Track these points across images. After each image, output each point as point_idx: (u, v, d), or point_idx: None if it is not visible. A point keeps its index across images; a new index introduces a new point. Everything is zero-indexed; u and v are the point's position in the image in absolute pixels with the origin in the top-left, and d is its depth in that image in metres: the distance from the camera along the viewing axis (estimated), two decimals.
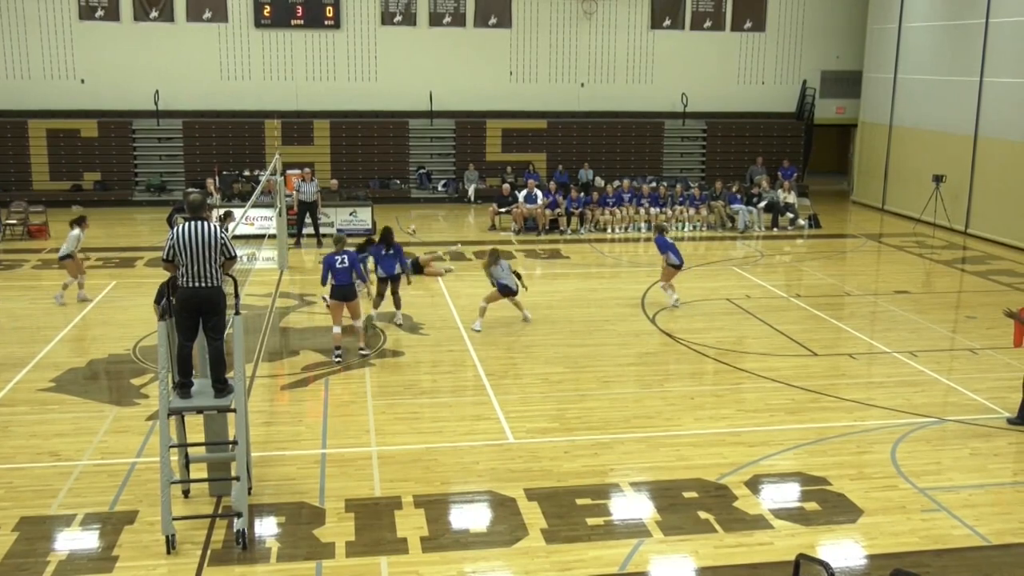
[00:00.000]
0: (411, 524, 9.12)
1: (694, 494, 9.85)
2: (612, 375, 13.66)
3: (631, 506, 9.65)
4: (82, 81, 28.96)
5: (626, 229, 25.29)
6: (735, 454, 10.86)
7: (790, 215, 26.02)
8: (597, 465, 10.55)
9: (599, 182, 28.00)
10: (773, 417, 12.08)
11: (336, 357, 14.06)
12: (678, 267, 17.32)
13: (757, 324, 16.37)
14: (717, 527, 9.16)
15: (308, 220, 23.13)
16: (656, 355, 14.76)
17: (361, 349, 14.39)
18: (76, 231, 17.41)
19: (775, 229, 25.64)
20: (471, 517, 9.40)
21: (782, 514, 9.46)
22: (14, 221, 23.91)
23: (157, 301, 11.79)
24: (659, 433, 11.49)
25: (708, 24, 31.45)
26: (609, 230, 25.18)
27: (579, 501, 9.66)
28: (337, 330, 14.16)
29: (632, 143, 31.24)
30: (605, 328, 16.06)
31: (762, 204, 26.05)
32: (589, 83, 31.26)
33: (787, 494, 10.00)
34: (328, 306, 14.73)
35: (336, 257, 14.11)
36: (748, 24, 31.65)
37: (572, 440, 11.24)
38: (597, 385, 13.20)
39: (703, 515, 9.39)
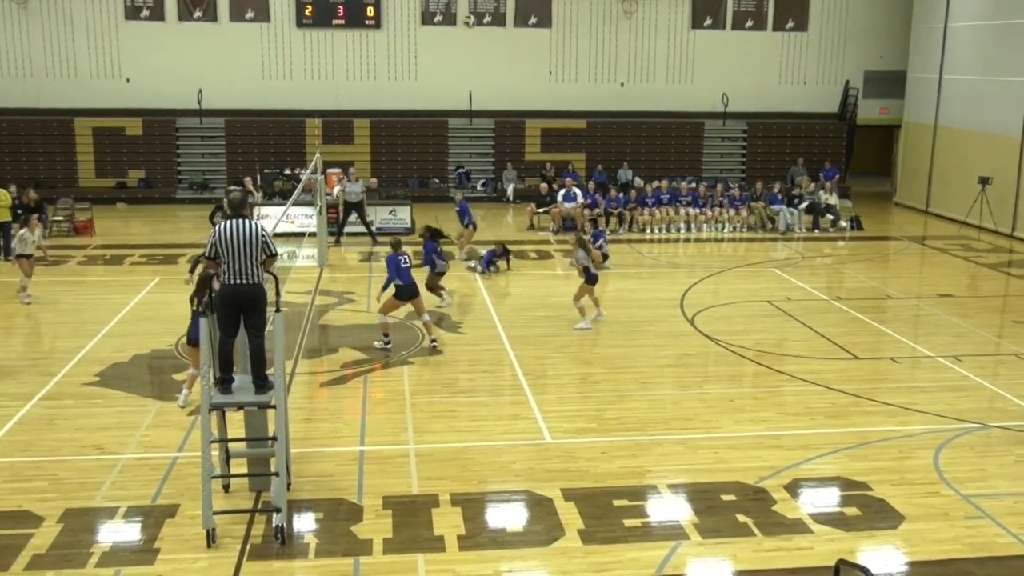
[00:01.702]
0: (448, 522, 9.14)
1: (732, 497, 9.78)
2: (650, 376, 13.61)
3: (669, 508, 9.60)
4: (127, 80, 29.36)
5: (665, 230, 25.17)
6: (774, 457, 10.77)
7: (831, 217, 25.75)
8: (635, 466, 10.51)
9: (638, 182, 27.89)
10: (813, 421, 11.96)
11: (386, 343, 14.53)
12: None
13: (797, 326, 16.22)
14: (756, 531, 9.09)
15: (352, 219, 23.26)
16: (695, 357, 14.68)
17: (433, 341, 14.72)
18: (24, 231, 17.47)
19: (816, 231, 25.38)
20: (508, 516, 9.41)
21: (822, 519, 9.36)
22: (61, 218, 24.30)
23: (193, 299, 12.02)
24: (698, 435, 11.42)
25: (749, 24, 31.21)
26: (648, 230, 25.07)
27: (616, 502, 9.63)
28: (384, 319, 14.59)
29: (672, 143, 31.09)
30: (644, 329, 15.99)
31: (803, 205, 25.81)
32: (629, 83, 31.16)
33: (827, 499, 9.90)
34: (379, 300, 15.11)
35: (399, 257, 14.54)
36: (790, 24, 31.37)
37: (610, 441, 11.21)
38: (635, 386, 13.15)
39: (741, 518, 9.32)
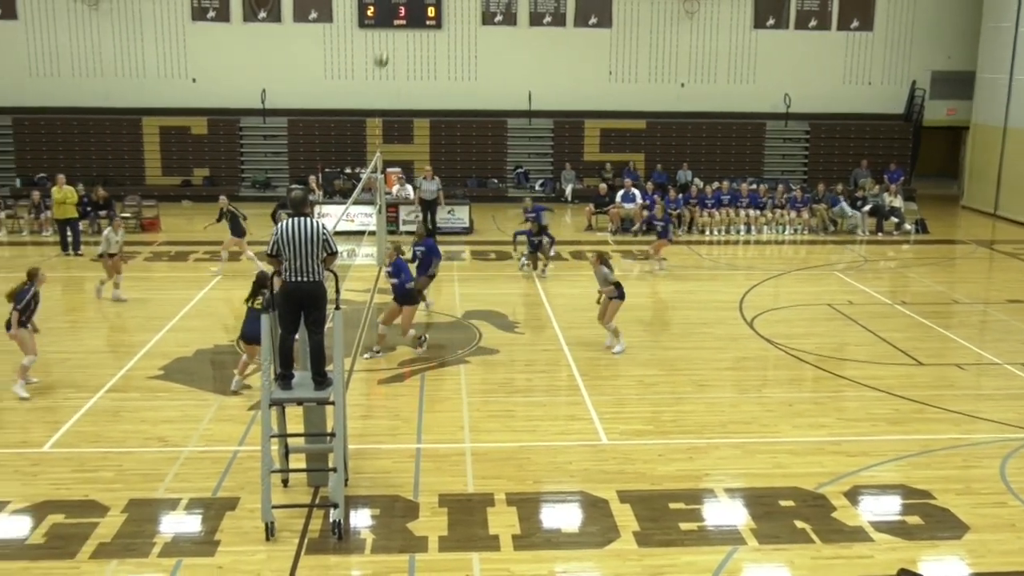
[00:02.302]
0: (503, 521, 9.16)
1: (791, 503, 9.66)
2: (708, 379, 13.49)
3: (726, 512, 9.51)
4: (193, 80, 29.92)
5: (725, 231, 24.94)
6: (834, 463, 10.60)
7: (895, 219, 25.28)
8: (692, 469, 10.43)
9: (698, 183, 27.68)
10: (875, 427, 11.76)
11: (422, 342, 14.39)
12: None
13: (859, 331, 15.95)
14: (815, 537, 8.96)
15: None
16: (754, 360, 14.51)
17: (377, 352, 14.29)
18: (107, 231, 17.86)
19: (880, 234, 24.95)
20: (563, 517, 9.40)
21: (883, 527, 9.19)
22: (128, 214, 24.82)
23: (249, 299, 12.18)
24: (756, 439, 11.29)
25: (813, 23, 30.79)
26: (707, 232, 24.87)
27: (672, 505, 9.56)
28: (412, 332, 14.24)
29: (732, 144, 30.80)
30: (702, 331, 15.86)
31: (867, 208, 25.39)
32: (689, 83, 30.93)
33: (888, 507, 9.72)
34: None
35: (404, 262, 14.44)
36: (855, 23, 30.88)
37: (666, 443, 11.14)
38: (693, 388, 13.05)
39: (800, 524, 9.20)
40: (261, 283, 12.21)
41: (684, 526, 9.16)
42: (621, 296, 14.43)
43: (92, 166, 28.92)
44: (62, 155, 28.97)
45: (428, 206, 23.44)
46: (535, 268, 19.82)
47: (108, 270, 17.37)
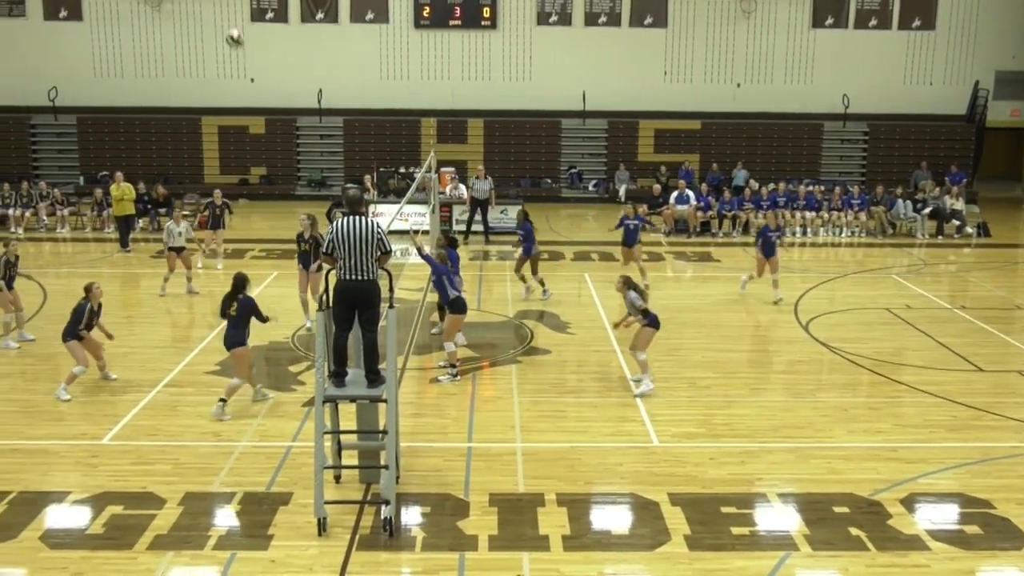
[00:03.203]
0: (553, 522, 9.15)
1: (845, 509, 9.51)
2: (761, 382, 13.36)
3: (778, 517, 9.40)
4: (252, 80, 30.37)
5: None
6: (890, 470, 10.43)
7: (957, 222, 24.80)
8: (744, 473, 10.33)
9: (753, 184, 27.41)
10: (933, 433, 11.54)
11: (454, 375, 13.33)
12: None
13: (917, 335, 15.67)
14: (869, 545, 8.82)
15: (476, 217, 23.56)
16: (808, 364, 14.34)
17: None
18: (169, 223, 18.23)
19: (940, 237, 24.50)
20: (613, 518, 9.37)
21: (940, 536, 9.01)
22: (187, 212, 25.23)
23: (225, 308, 11.92)
24: (809, 444, 11.15)
25: (873, 22, 30.35)
26: None
27: (724, 509, 9.48)
28: (453, 346, 13.41)
29: (789, 145, 30.47)
30: (756, 334, 15.71)
31: (927, 210, 24.94)
32: (745, 83, 30.67)
33: (946, 515, 9.53)
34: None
35: (448, 268, 13.69)
36: (917, 22, 30.37)
37: (718, 447, 11.04)
38: (746, 392, 12.92)
39: (854, 531, 9.06)
40: (238, 288, 11.86)
41: (736, 530, 9.08)
42: (653, 324, 12.68)
43: (153, 165, 29.51)
44: (124, 154, 29.59)
45: (480, 206, 23.52)
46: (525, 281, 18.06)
47: (171, 264, 17.66)
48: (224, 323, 12.08)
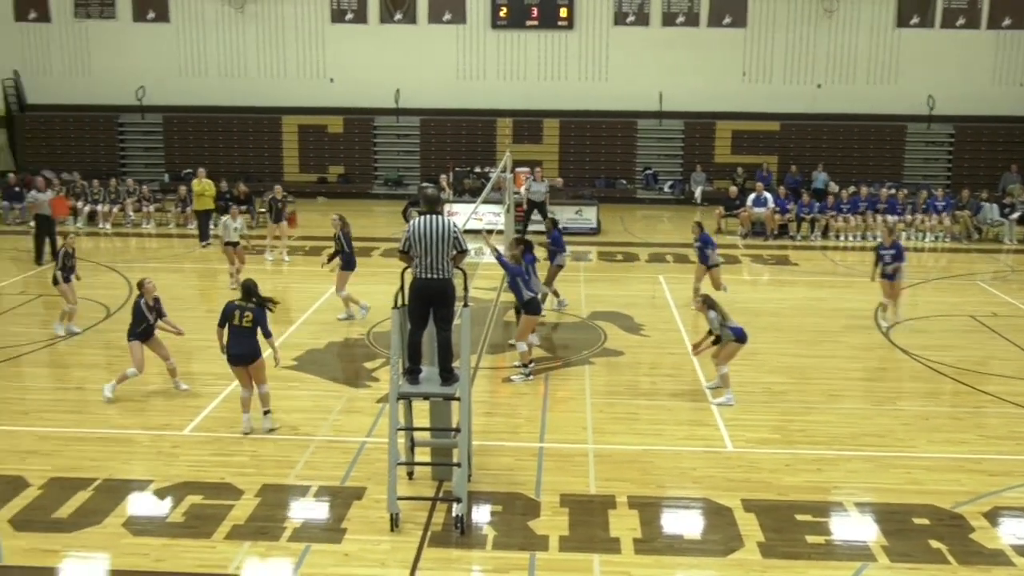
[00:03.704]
0: (625, 524, 9.11)
1: (925, 521, 9.28)
2: (840, 389, 13.10)
3: (855, 527, 9.22)
4: (331, 80, 30.80)
5: (861, 237, 24.17)
6: (974, 482, 10.14)
7: None
8: (820, 481, 10.14)
9: (833, 187, 26.89)
10: (1019, 446, 11.18)
11: (527, 374, 13.34)
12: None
13: (1004, 344, 15.21)
14: (950, 558, 8.58)
15: (535, 217, 23.57)
16: (888, 371, 14.02)
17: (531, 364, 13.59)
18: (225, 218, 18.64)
19: None
20: (686, 523, 9.29)
21: None
22: (265, 210, 25.72)
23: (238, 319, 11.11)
24: (889, 453, 10.89)
25: (961, 22, 29.51)
26: (842, 237, 24.15)
27: (799, 517, 9.32)
28: (525, 345, 13.37)
29: (871, 147, 29.82)
30: (834, 339, 15.41)
31: (1015, 215, 24.20)
32: (826, 84, 30.09)
33: None
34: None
35: (523, 268, 13.61)
36: (1007, 21, 29.45)
37: (794, 453, 10.86)
38: (823, 398, 12.69)
39: (935, 544, 8.83)
40: (248, 292, 11.25)
41: (811, 539, 8.92)
42: (740, 339, 12.43)
43: (235, 163, 30.14)
44: (207, 152, 30.27)
45: (536, 207, 23.51)
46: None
47: (230, 258, 18.13)
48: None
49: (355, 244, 16.41)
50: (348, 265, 16.06)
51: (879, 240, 16.90)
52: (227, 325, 11.16)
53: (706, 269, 16.86)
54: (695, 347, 13.07)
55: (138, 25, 30.92)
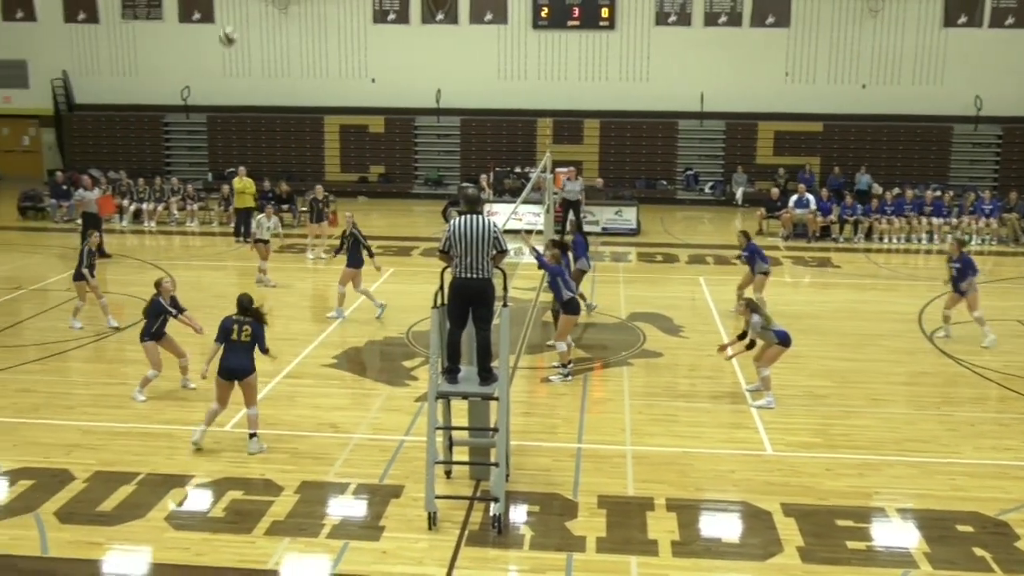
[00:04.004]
0: (662, 527, 9.06)
1: (969, 528, 9.13)
2: (882, 393, 12.93)
3: (897, 533, 9.09)
4: (372, 80, 31.00)
5: (905, 239, 23.87)
6: (1019, 489, 9.96)
7: None
8: (862, 486, 10.02)
9: (876, 189, 26.57)
10: None
11: (566, 375, 13.28)
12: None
13: None
14: (994, 567, 8.43)
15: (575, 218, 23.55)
16: (933, 376, 13.82)
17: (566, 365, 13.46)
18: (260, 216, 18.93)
19: None
20: (724, 526, 9.22)
21: None
22: (306, 209, 25.94)
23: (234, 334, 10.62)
24: (933, 459, 10.74)
25: (1010, 20, 29.05)
26: (885, 239, 23.86)
27: (840, 522, 9.21)
28: (563, 345, 13.29)
29: (916, 148, 29.43)
30: (877, 343, 15.22)
31: None
32: (871, 84, 29.74)
33: None
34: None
35: (563, 268, 13.60)
36: None
37: (835, 458, 10.74)
38: (865, 402, 12.54)
39: (978, 552, 8.68)
40: (244, 307, 10.76)
41: (851, 544, 8.81)
42: (784, 342, 12.28)
43: (277, 162, 30.44)
44: (250, 151, 30.61)
45: (571, 206, 23.47)
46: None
47: (261, 254, 18.36)
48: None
49: (395, 243, 16.48)
50: (352, 263, 16.15)
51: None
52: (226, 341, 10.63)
53: (754, 275, 16.69)
54: (722, 348, 12.99)
55: (184, 26, 31.34)
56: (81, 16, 31.67)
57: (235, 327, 10.62)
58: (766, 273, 16.55)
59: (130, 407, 12.02)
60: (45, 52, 31.88)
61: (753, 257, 16.48)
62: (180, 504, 9.40)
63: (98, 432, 11.15)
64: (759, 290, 16.51)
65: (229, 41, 12.90)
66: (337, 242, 17.22)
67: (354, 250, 16.31)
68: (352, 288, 16.20)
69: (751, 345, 12.39)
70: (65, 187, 25.84)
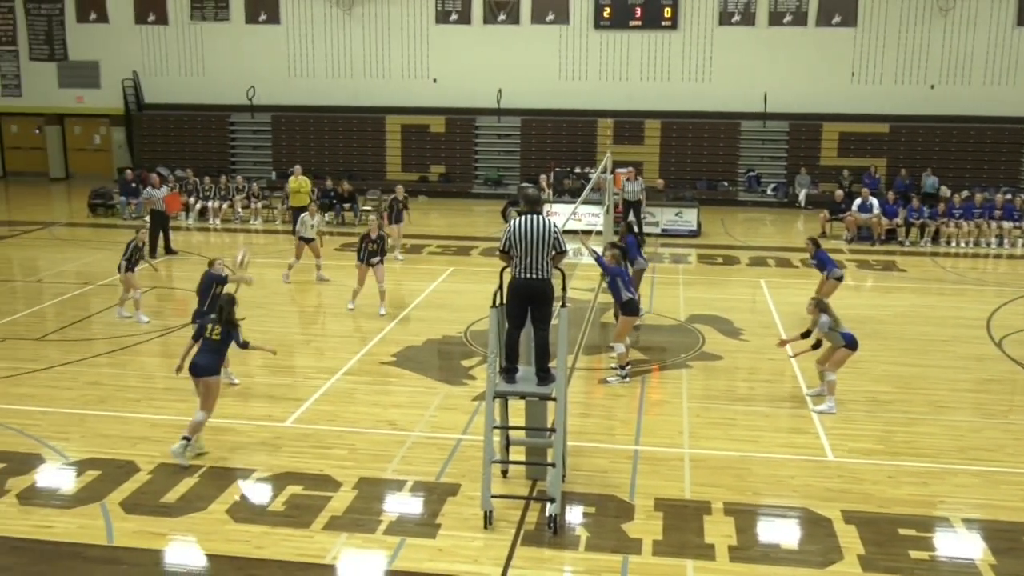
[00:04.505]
0: (720, 531, 8.98)
1: None
2: (947, 400, 12.66)
3: (962, 544, 8.89)
4: (434, 80, 31.18)
5: (974, 244, 23.33)
6: None
7: None
8: (925, 495, 9.82)
9: (944, 191, 25.99)
10: None
11: (624, 376, 13.20)
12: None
13: None
14: None
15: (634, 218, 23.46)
16: (1001, 383, 13.49)
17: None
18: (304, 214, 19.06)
19: None
20: (782, 532, 9.10)
21: None
22: (369, 208, 26.24)
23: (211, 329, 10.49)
24: (1000, 468, 10.48)
25: None
26: (953, 243, 23.34)
27: (902, 531, 9.04)
28: (623, 347, 13.23)
29: (986, 150, 28.73)
30: (942, 349, 14.90)
31: None
32: (940, 84, 29.11)
33: None
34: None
35: (623, 269, 13.58)
36: None
37: (897, 465, 10.55)
38: (929, 409, 12.28)
39: None
40: (220, 308, 10.61)
41: (914, 554, 8.65)
42: (851, 345, 12.11)
43: (339, 161, 30.79)
44: (313, 150, 30.99)
45: (631, 207, 23.39)
46: None
47: (298, 252, 18.62)
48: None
49: (454, 243, 16.50)
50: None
51: None
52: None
53: (826, 279, 16.42)
54: (782, 343, 12.80)
55: (250, 27, 31.85)
56: (151, 18, 32.38)
57: (209, 325, 10.52)
58: (839, 279, 16.25)
59: (194, 401, 12.22)
60: (116, 53, 32.64)
61: (823, 264, 16.23)
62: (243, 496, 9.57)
63: (162, 425, 11.40)
64: (827, 294, 16.25)
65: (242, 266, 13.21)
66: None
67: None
68: (374, 282, 16.52)
69: (817, 345, 12.21)
70: (134, 185, 26.43)
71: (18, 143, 35.02)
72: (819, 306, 12.25)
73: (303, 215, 18.97)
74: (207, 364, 10.41)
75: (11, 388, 12.70)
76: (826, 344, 12.28)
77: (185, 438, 10.31)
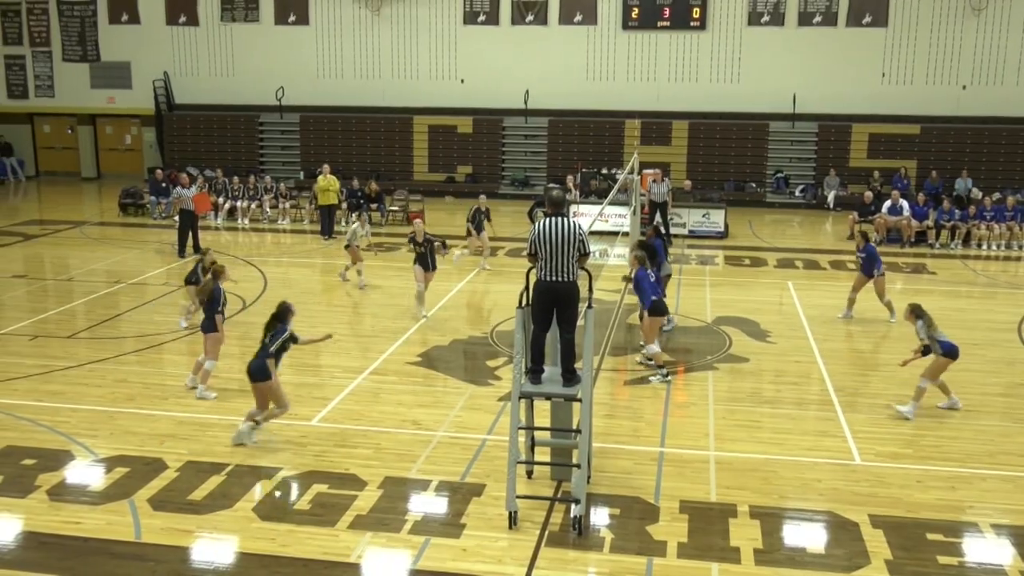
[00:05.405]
0: (745, 534, 8.94)
1: None
2: (976, 404, 12.51)
3: (991, 550, 8.79)
4: (462, 81, 31.23)
5: (1005, 246, 23.06)
6: None
7: None
8: (953, 500, 9.72)
9: (976, 193, 25.70)
10: None
11: (664, 376, 13.24)
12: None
13: None
14: None
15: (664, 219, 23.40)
16: None
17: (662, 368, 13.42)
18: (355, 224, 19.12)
19: None
20: (809, 536, 9.04)
21: None
22: (396, 208, 26.34)
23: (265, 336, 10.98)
24: None
25: None
26: (984, 246, 23.09)
27: (930, 536, 8.96)
28: (656, 348, 13.31)
29: (1019, 152, 28.38)
30: (972, 352, 14.69)
31: None
32: (972, 85, 28.79)
33: None
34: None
35: (648, 272, 13.61)
36: None
37: (926, 469, 10.45)
38: (958, 413, 12.14)
39: None
40: (279, 316, 11.06)
41: (942, 559, 8.56)
42: (949, 353, 11.91)
43: (367, 161, 30.91)
44: (340, 150, 31.13)
45: (658, 208, 23.32)
46: None
47: (352, 256, 18.62)
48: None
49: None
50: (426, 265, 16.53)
51: None
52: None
53: (867, 279, 16.30)
54: (905, 362, 12.53)
55: (279, 28, 32.06)
56: (182, 19, 32.66)
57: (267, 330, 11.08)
58: (882, 275, 16.18)
59: (221, 399, 12.33)
60: (147, 54, 32.97)
61: (871, 259, 16.12)
62: (271, 493, 9.64)
63: (190, 423, 11.49)
64: (881, 293, 16.15)
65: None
66: (398, 240, 17.33)
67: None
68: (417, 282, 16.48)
69: (926, 351, 12.10)
70: (164, 185, 26.66)
71: (51, 143, 35.47)
72: (914, 312, 12.20)
73: (355, 226, 19.03)
74: (259, 368, 10.83)
75: (41, 385, 12.86)
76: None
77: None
